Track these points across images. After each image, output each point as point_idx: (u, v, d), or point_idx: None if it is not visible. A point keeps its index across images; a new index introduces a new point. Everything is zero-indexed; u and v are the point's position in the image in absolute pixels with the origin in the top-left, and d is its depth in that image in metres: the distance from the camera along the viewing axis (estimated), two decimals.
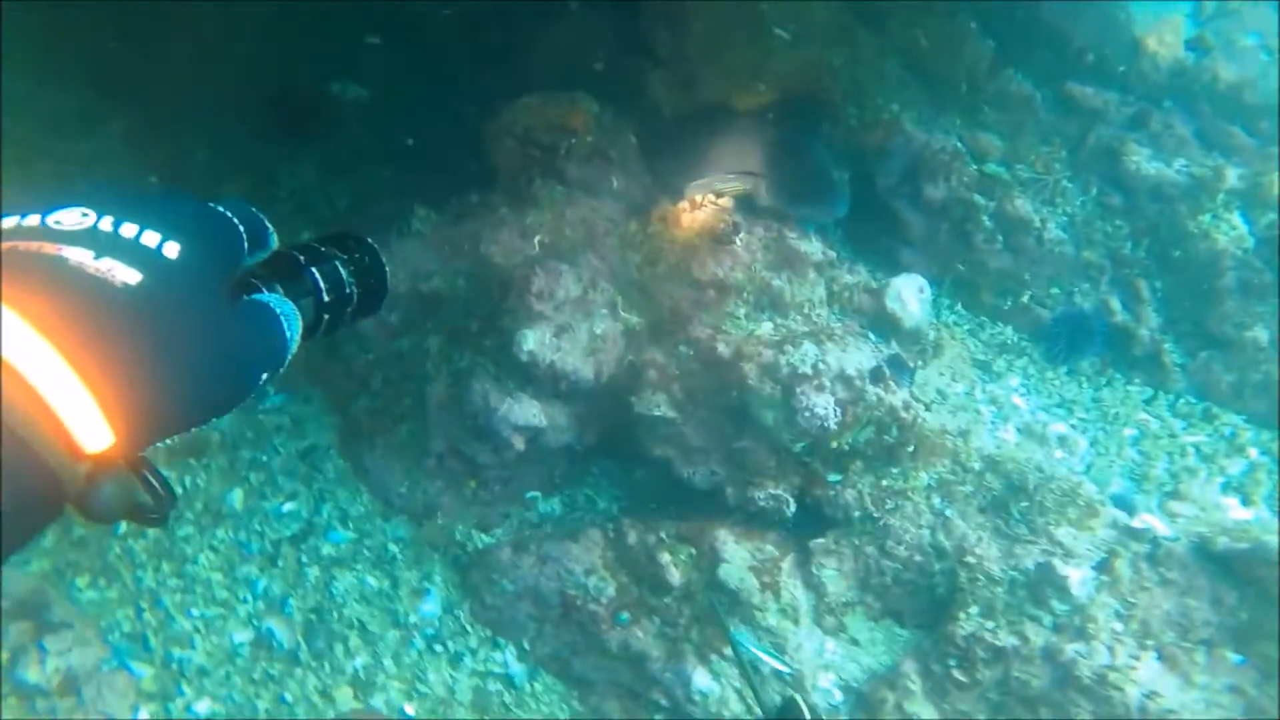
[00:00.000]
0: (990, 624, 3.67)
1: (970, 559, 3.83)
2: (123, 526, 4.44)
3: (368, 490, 4.70)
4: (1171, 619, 3.57)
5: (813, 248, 4.34)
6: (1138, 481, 4.28)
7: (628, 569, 4.18)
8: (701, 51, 5.14)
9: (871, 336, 4.27)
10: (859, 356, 3.95)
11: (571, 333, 4.21)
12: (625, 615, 4.13)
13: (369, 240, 1.34)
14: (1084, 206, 4.80)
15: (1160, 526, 3.83)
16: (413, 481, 4.61)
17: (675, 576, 4.06)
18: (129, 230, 0.91)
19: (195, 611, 4.38)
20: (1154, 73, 4.76)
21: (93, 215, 0.91)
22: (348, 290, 1.26)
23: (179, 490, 4.56)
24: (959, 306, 4.98)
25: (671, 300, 4.32)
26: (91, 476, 0.81)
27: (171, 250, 0.91)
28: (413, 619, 4.43)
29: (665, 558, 4.08)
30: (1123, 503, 4.02)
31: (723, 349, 4.02)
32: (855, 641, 4.06)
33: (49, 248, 0.87)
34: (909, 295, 4.27)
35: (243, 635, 4.34)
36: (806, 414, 3.82)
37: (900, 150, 4.86)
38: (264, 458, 4.73)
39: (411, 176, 5.06)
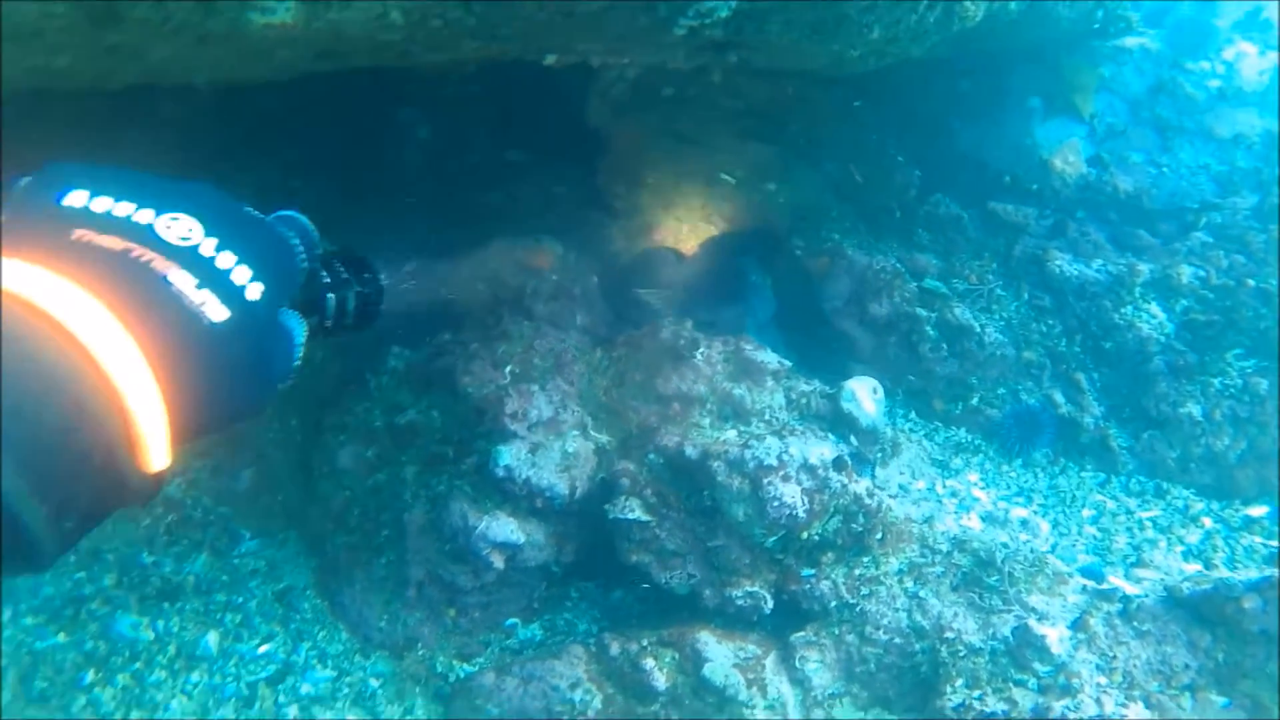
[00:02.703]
0: (977, 693, 3.70)
1: (949, 634, 3.89)
2: (89, 676, 4.37)
3: (346, 628, 4.68)
4: (1153, 668, 3.63)
5: (768, 357, 4.59)
6: (1102, 555, 4.40)
7: (613, 679, 4.17)
8: (655, 202, 5.59)
9: (832, 436, 4.46)
10: (820, 448, 4.15)
11: (545, 450, 4.38)
12: None
13: (380, 277, 1.52)
14: (1018, 311, 5.15)
15: (1129, 587, 3.94)
16: (391, 615, 4.62)
17: (660, 681, 4.06)
18: (226, 261, 1.01)
19: None
20: (1064, 188, 5.23)
21: (199, 232, 1.00)
22: (347, 320, 1.45)
23: (152, 635, 4.53)
24: (913, 415, 5.22)
25: (639, 416, 4.52)
26: (148, 491, 0.94)
27: (255, 292, 1.02)
28: None
29: (649, 663, 4.09)
30: (1090, 573, 4.14)
31: (690, 451, 4.19)
32: None
33: (159, 263, 0.95)
34: (863, 395, 4.50)
35: None
36: (775, 504, 3.97)
37: (844, 273, 5.23)
38: (239, 599, 4.71)
39: (387, 321, 5.31)
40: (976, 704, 3.66)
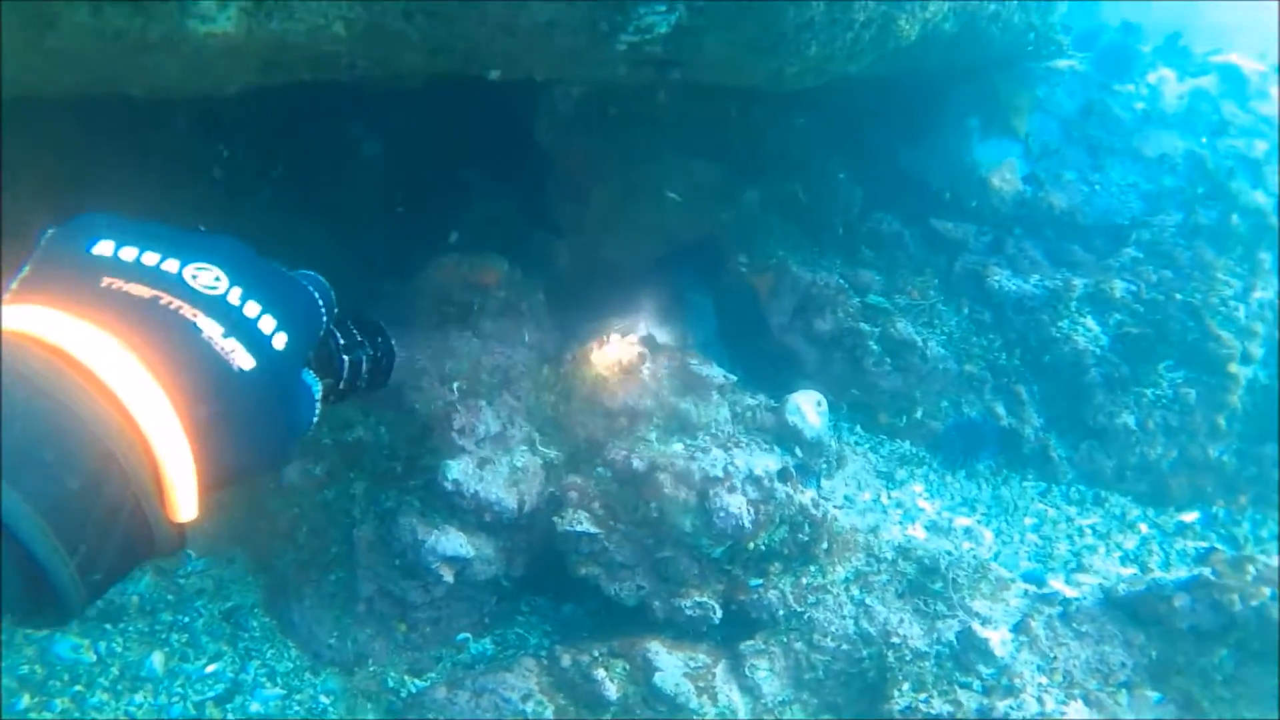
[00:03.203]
0: (923, 696, 3.77)
1: (895, 639, 3.96)
2: (24, 701, 4.28)
3: (295, 645, 4.64)
4: (1091, 667, 3.73)
5: (714, 372, 4.65)
6: (1044, 561, 4.51)
7: (564, 691, 4.18)
8: (601, 220, 5.64)
9: (777, 449, 4.53)
10: (765, 460, 4.21)
11: (493, 465, 4.40)
12: None
13: (393, 343, 1.50)
14: (959, 325, 5.28)
15: (1068, 590, 4.04)
16: (342, 631, 4.59)
17: (612, 691, 4.07)
18: (251, 310, 0.99)
19: None
20: (1002, 205, 5.38)
21: (225, 281, 0.99)
22: (359, 383, 1.42)
23: (94, 657, 4.46)
24: (858, 428, 5.30)
25: (586, 431, 4.55)
26: (175, 542, 0.91)
27: (280, 341, 1.00)
28: None
29: (600, 674, 4.11)
30: (1032, 579, 4.24)
31: (637, 463, 4.23)
32: None
33: (187, 310, 0.94)
34: (808, 408, 4.57)
35: None
36: (721, 514, 4.02)
37: (788, 290, 5.32)
38: (185, 619, 4.65)
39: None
40: (923, 707, 3.73)
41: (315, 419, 1.16)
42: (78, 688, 4.37)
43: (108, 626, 4.60)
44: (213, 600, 4.82)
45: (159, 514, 0.88)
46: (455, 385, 4.63)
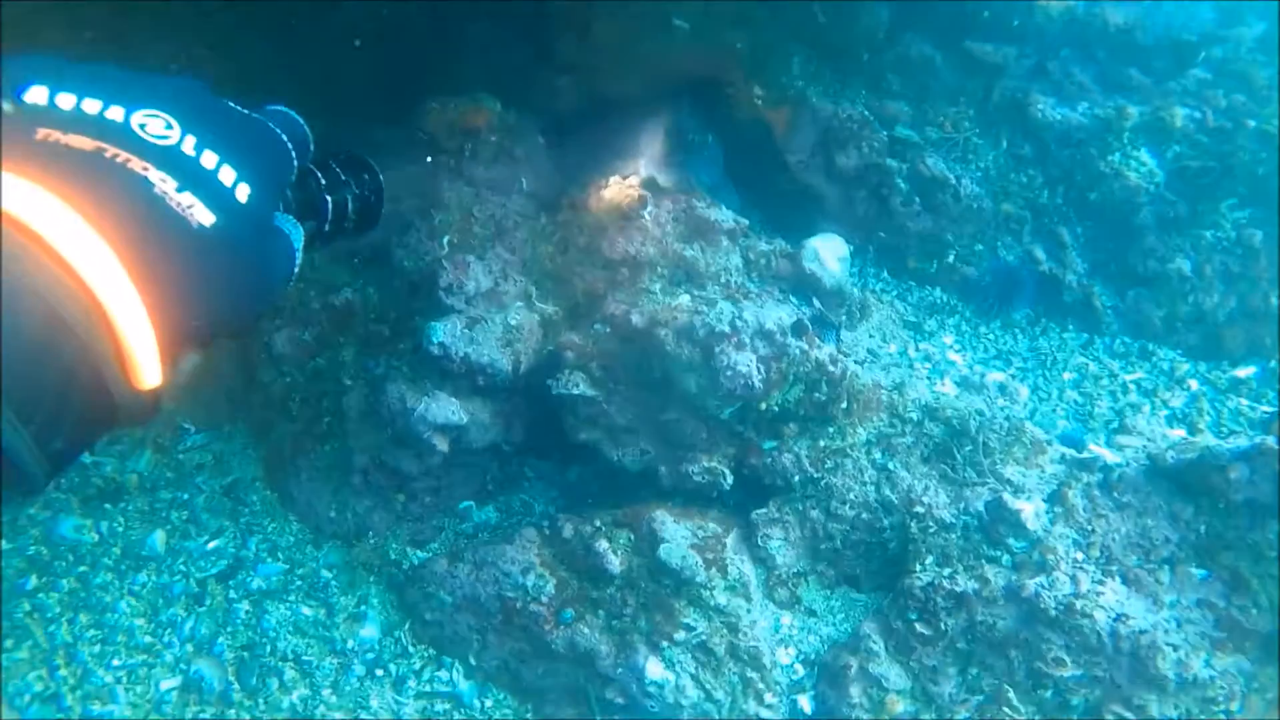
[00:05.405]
0: (947, 571, 3.51)
1: (919, 509, 3.67)
2: (32, 581, 4.20)
3: (296, 519, 4.50)
4: (1132, 541, 3.42)
5: (723, 215, 4.25)
6: (1083, 421, 4.17)
7: (565, 563, 3.99)
8: (605, 52, 5.13)
9: (793, 299, 4.16)
10: (778, 312, 3.84)
11: (485, 324, 4.08)
12: (569, 612, 3.92)
13: (380, 176, 1.43)
14: (996, 160, 4.77)
15: (1110, 455, 3.70)
16: (341, 503, 4.42)
17: (615, 564, 3.86)
18: (209, 160, 0.92)
19: (116, 662, 4.10)
20: (1048, 23, 4.78)
21: (177, 129, 0.91)
22: (346, 224, 1.37)
23: (96, 537, 4.35)
24: (884, 274, 4.90)
25: (585, 284, 4.20)
26: (144, 409, 0.88)
27: (243, 193, 0.94)
28: (351, 645, 4.20)
29: (603, 545, 3.89)
30: (1070, 440, 3.91)
31: (637, 319, 3.88)
32: (812, 612, 3.87)
33: (136, 163, 0.86)
34: (827, 253, 4.18)
35: (170, 682, 4.07)
36: (729, 373, 3.68)
37: (808, 123, 4.83)
38: (185, 496, 4.52)
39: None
40: (946, 583, 3.47)
41: (297, 269, 1.13)
42: (82, 568, 4.32)
43: (108, 506, 4.51)
44: (213, 475, 4.68)
45: (120, 380, 0.85)
46: (445, 239, 4.28)
